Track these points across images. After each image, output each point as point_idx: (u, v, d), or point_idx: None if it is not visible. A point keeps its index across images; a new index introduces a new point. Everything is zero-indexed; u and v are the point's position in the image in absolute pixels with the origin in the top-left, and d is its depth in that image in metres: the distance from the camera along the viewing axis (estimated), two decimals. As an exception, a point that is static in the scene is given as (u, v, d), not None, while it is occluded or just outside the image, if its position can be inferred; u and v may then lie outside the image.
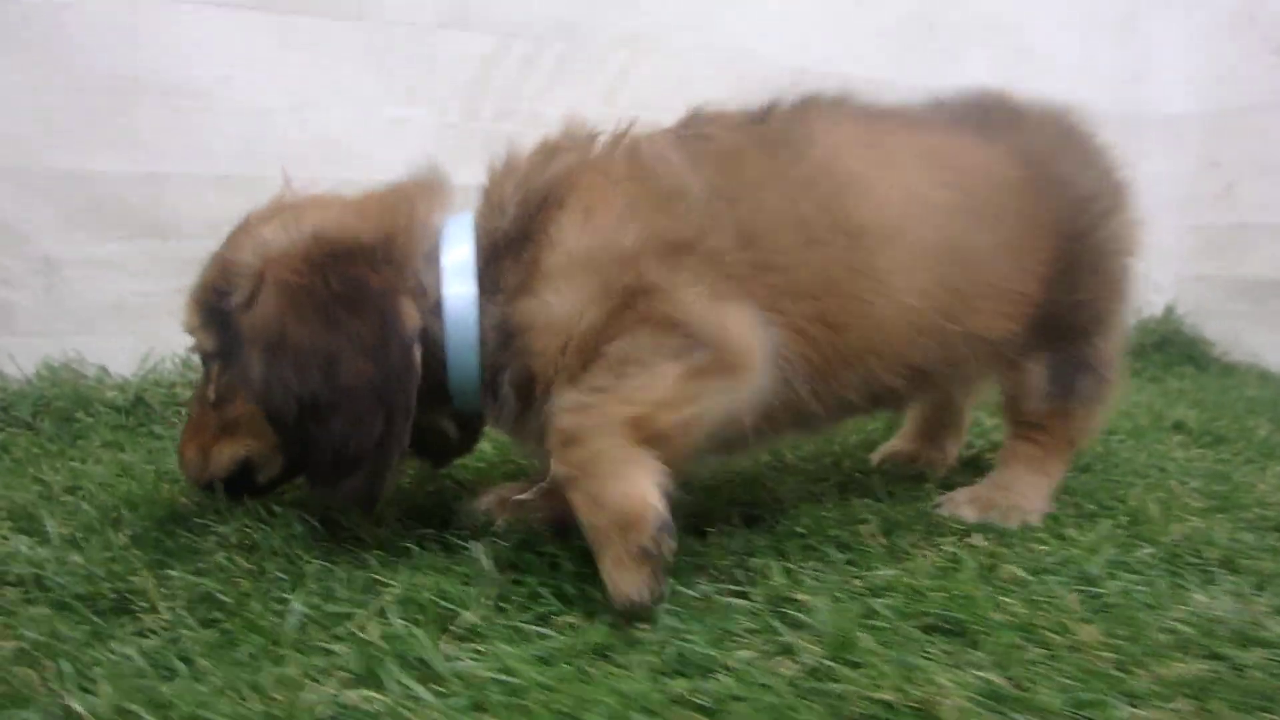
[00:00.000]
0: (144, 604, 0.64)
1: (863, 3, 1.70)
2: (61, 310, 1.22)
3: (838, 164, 0.78)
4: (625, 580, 0.61)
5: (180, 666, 0.56)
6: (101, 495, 0.86)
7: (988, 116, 0.88)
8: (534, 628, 0.62)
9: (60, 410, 1.12)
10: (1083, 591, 0.68)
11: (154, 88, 1.23)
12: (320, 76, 1.32)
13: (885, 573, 0.71)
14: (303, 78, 1.31)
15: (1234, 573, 0.74)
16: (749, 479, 0.99)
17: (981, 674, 0.55)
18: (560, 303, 0.68)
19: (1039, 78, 1.85)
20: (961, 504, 0.87)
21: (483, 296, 0.71)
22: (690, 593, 0.67)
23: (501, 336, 0.71)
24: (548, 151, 0.76)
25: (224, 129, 1.27)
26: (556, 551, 0.72)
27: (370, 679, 0.54)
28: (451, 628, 0.61)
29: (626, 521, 0.61)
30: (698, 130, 0.78)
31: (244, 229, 0.77)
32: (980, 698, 0.53)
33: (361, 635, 0.58)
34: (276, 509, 0.77)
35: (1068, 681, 0.55)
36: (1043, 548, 0.76)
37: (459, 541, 0.74)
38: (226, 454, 0.76)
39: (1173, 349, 1.93)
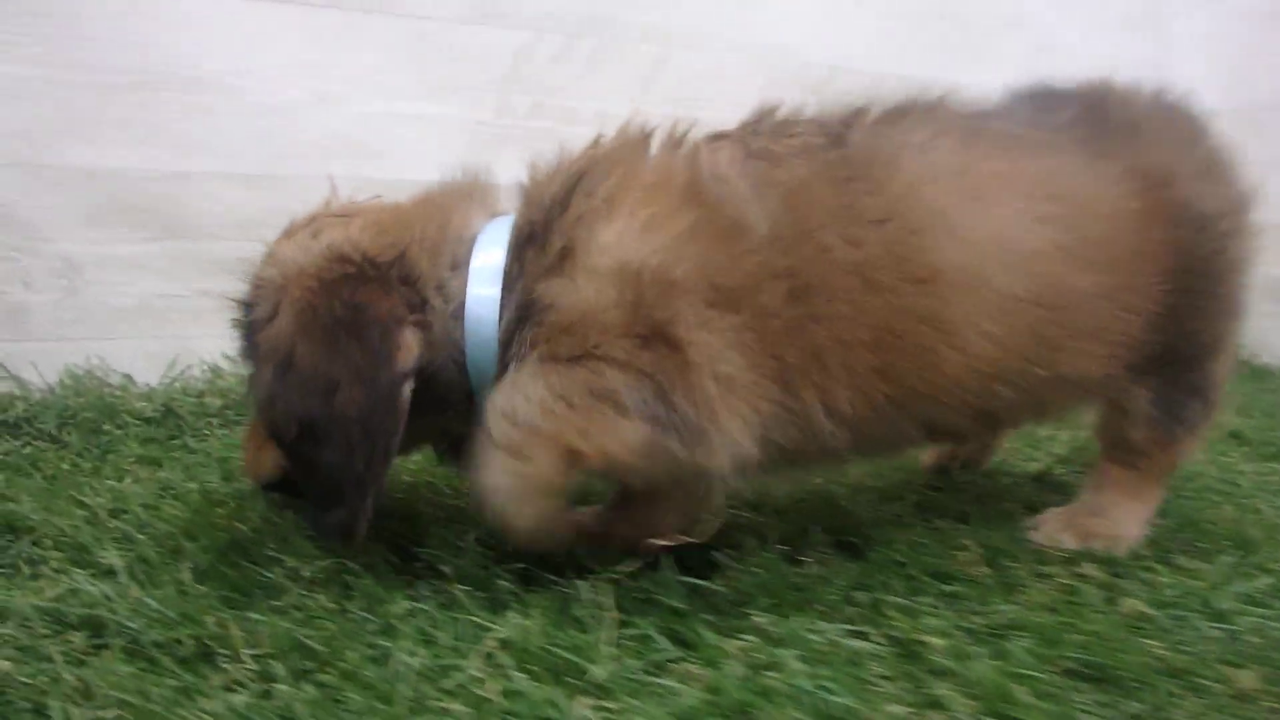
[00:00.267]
0: (226, 651, 0.59)
1: (891, 0, 1.66)
2: (82, 314, 1.15)
3: (918, 199, 0.70)
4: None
5: (284, 729, 0.52)
6: (154, 521, 0.80)
7: (1104, 123, 0.79)
8: (653, 679, 0.57)
9: (87, 422, 1.05)
10: (1216, 628, 0.65)
11: (176, 81, 1.16)
12: (348, 71, 1.25)
13: (1003, 608, 0.68)
14: (330, 72, 1.24)
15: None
16: (823, 497, 0.95)
17: (1149, 730, 0.52)
18: (591, 289, 0.64)
19: (1065, 73, 1.82)
20: (1058, 530, 0.83)
21: (505, 290, 0.68)
22: (813, 636, 0.63)
23: (519, 314, 0.67)
24: (600, 151, 0.71)
25: (248, 125, 1.20)
26: (650, 586, 0.68)
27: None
28: (568, 680, 0.56)
29: (503, 524, 0.64)
30: (765, 146, 0.70)
31: (278, 241, 0.76)
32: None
33: (480, 693, 0.54)
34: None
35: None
36: (1162, 579, 0.73)
37: (547, 575, 0.69)
38: (269, 461, 0.74)
39: (1201, 352, 1.92)
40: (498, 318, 0.68)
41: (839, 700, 0.55)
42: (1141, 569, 0.76)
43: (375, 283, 0.69)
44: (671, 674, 0.58)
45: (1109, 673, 0.59)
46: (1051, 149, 0.76)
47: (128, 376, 1.17)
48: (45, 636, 0.61)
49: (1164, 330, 0.77)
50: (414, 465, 0.96)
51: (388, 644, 0.60)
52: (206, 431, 1.08)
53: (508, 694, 0.54)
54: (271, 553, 0.74)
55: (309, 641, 0.59)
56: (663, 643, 0.61)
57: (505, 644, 0.59)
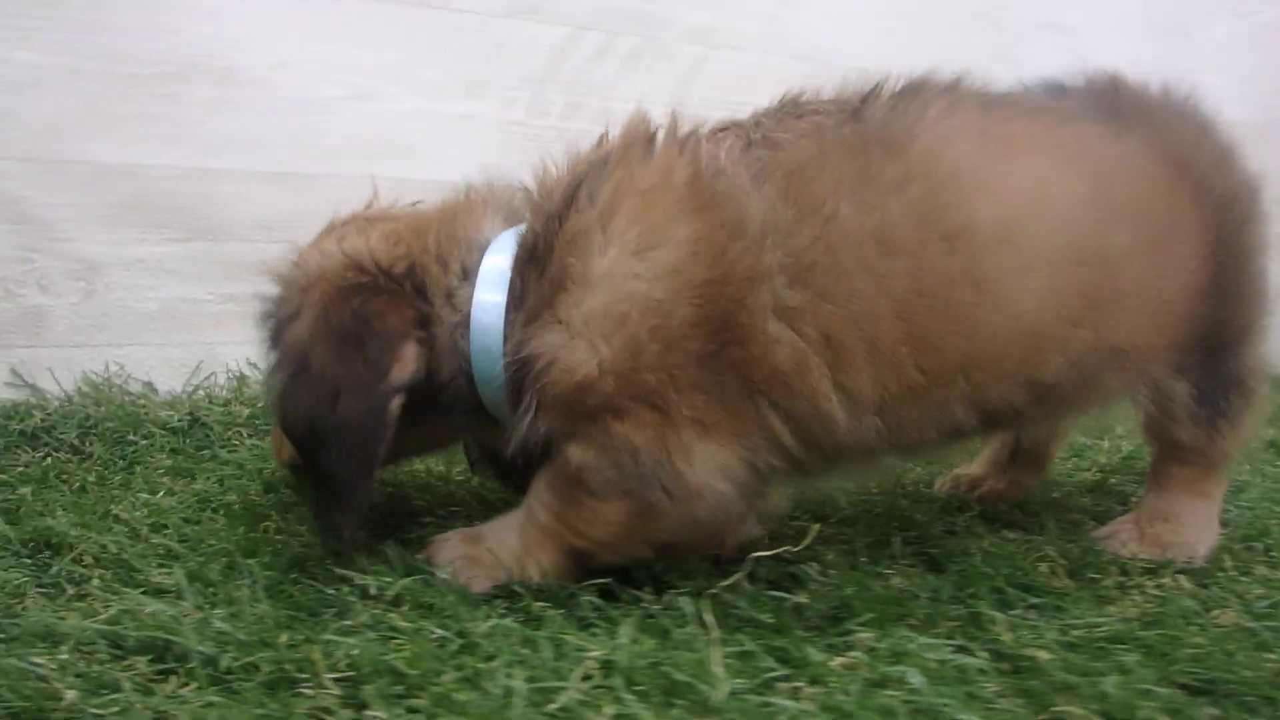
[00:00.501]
0: (307, 675, 0.55)
1: (932, 3, 1.67)
2: (102, 319, 1.10)
3: (940, 158, 0.68)
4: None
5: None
6: (199, 536, 0.76)
7: (1117, 106, 0.79)
8: (766, 698, 0.55)
9: (111, 432, 1.00)
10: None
11: (205, 75, 1.11)
12: (382, 66, 1.22)
13: (1097, 620, 0.66)
14: (363, 67, 1.21)
15: None
16: (887, 506, 0.93)
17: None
18: (581, 350, 0.63)
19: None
20: (1129, 540, 0.82)
21: (510, 311, 0.68)
22: (926, 655, 0.60)
23: (518, 355, 0.67)
24: (600, 154, 0.69)
25: (279, 121, 1.16)
26: (739, 601, 0.66)
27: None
28: (679, 701, 0.53)
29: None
30: (768, 134, 0.68)
31: (312, 242, 0.77)
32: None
33: (594, 718, 0.50)
34: (389, 548, 0.71)
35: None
36: (1252, 590, 0.72)
37: (629, 589, 0.67)
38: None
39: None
40: (503, 330, 0.68)
41: (964, 718, 0.52)
42: (1226, 579, 0.75)
43: (386, 294, 0.70)
44: (780, 693, 0.56)
45: (1225, 687, 0.58)
46: (1072, 118, 0.76)
47: (148, 384, 1.12)
48: (106, 662, 0.57)
49: (1203, 305, 0.76)
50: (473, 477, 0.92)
51: (477, 664, 0.57)
52: (236, 441, 1.04)
53: (621, 718, 0.51)
54: (332, 567, 0.70)
55: (396, 663, 0.56)
56: (767, 660, 0.59)
57: (607, 665, 0.56)
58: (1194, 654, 0.60)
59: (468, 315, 0.69)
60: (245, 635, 0.58)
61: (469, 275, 0.70)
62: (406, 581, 0.66)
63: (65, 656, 0.56)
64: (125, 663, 0.57)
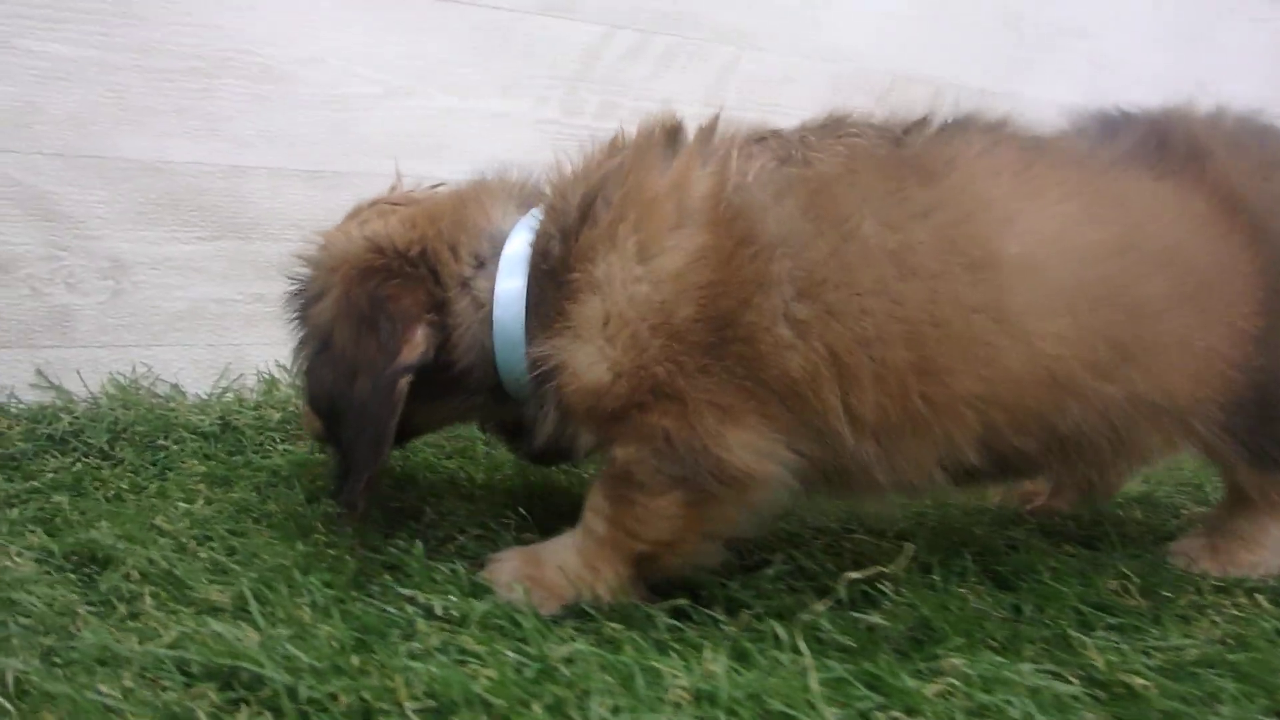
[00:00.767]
0: (388, 706, 0.53)
1: (957, 8, 1.65)
2: (130, 318, 1.07)
3: (974, 189, 0.67)
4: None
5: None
6: (248, 549, 0.73)
7: (1166, 145, 0.76)
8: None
9: (141, 437, 0.97)
10: None
11: (238, 70, 1.08)
12: (415, 63, 1.19)
13: (1181, 643, 0.65)
14: (397, 63, 1.18)
15: None
16: (942, 519, 0.92)
17: None
18: (596, 364, 0.64)
19: (1117, 87, 1.83)
20: (1201, 557, 0.80)
21: (529, 318, 0.69)
22: (1012, 676, 0.58)
23: (537, 362, 0.68)
24: (615, 160, 0.68)
25: (312, 118, 1.13)
26: (820, 621, 0.64)
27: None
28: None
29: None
30: (805, 152, 0.67)
31: (338, 225, 0.80)
32: None
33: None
34: (447, 563, 0.70)
35: None
36: (1336, 612, 0.71)
37: (703, 609, 0.64)
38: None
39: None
40: (524, 321, 0.69)
41: (1072, 753, 0.51)
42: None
43: (402, 277, 0.72)
44: (879, 725, 0.54)
45: (1327, 716, 0.56)
46: (1112, 165, 0.73)
47: (176, 386, 1.08)
48: (169, 689, 0.54)
49: (1258, 358, 0.72)
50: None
51: (561, 692, 0.54)
52: (269, 447, 1.01)
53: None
54: (391, 583, 0.68)
55: (479, 691, 0.53)
56: (858, 688, 0.57)
57: (698, 694, 0.54)
58: (1288, 681, 0.59)
59: (487, 303, 0.71)
60: (316, 660, 0.56)
61: (483, 263, 0.71)
62: (476, 603, 0.64)
63: (129, 684, 0.54)
64: (193, 690, 0.54)
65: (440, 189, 0.83)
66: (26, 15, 0.97)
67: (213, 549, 0.74)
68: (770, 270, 0.63)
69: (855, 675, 0.58)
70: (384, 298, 0.71)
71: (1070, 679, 0.60)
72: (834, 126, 0.70)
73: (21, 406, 1.00)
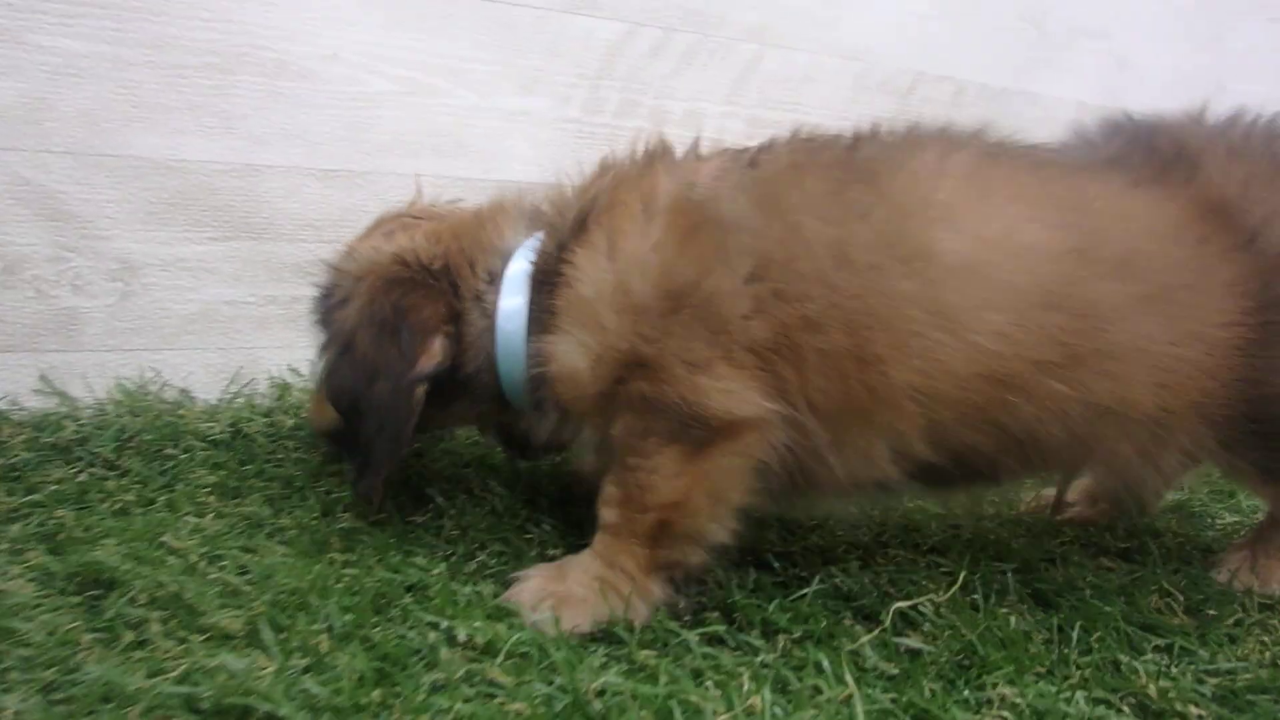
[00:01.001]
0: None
1: (978, 8, 1.62)
2: (139, 322, 1.03)
3: (917, 191, 0.68)
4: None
5: None
6: (261, 569, 0.70)
7: (1153, 152, 0.74)
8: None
9: (148, 445, 0.94)
10: None
11: (254, 66, 1.05)
12: (435, 60, 1.15)
13: (1231, 665, 0.62)
14: (416, 60, 1.14)
15: None
16: (971, 528, 0.88)
17: None
18: (572, 352, 0.68)
19: (1136, 86, 1.79)
20: (1244, 573, 0.78)
21: (530, 319, 0.73)
22: (1071, 711, 0.55)
23: (534, 361, 0.72)
24: (602, 184, 0.74)
25: (329, 115, 1.10)
26: (863, 650, 0.60)
27: None
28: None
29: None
30: (758, 155, 0.72)
31: (360, 236, 0.85)
32: None
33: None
34: (469, 584, 0.68)
35: None
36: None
37: (739, 634, 0.61)
38: (330, 415, 0.81)
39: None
40: (525, 338, 0.73)
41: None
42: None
43: (424, 289, 0.76)
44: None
45: None
46: (1081, 172, 0.72)
47: (184, 391, 1.05)
48: (180, 726, 0.51)
49: (1248, 370, 0.69)
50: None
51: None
52: (281, 455, 0.97)
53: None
54: (412, 606, 0.65)
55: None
56: (900, 708, 0.53)
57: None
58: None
59: (492, 317, 0.75)
60: (335, 694, 0.53)
61: (494, 279, 0.76)
62: (502, 628, 0.60)
63: (135, 721, 0.51)
64: (204, 728, 0.51)
65: (461, 204, 0.87)
66: (39, 10, 0.94)
67: (223, 569, 0.71)
68: (727, 244, 0.66)
69: (901, 706, 0.55)
70: (406, 308, 0.75)
71: (1123, 707, 0.56)
72: (796, 139, 0.74)
73: (24, 413, 0.97)
